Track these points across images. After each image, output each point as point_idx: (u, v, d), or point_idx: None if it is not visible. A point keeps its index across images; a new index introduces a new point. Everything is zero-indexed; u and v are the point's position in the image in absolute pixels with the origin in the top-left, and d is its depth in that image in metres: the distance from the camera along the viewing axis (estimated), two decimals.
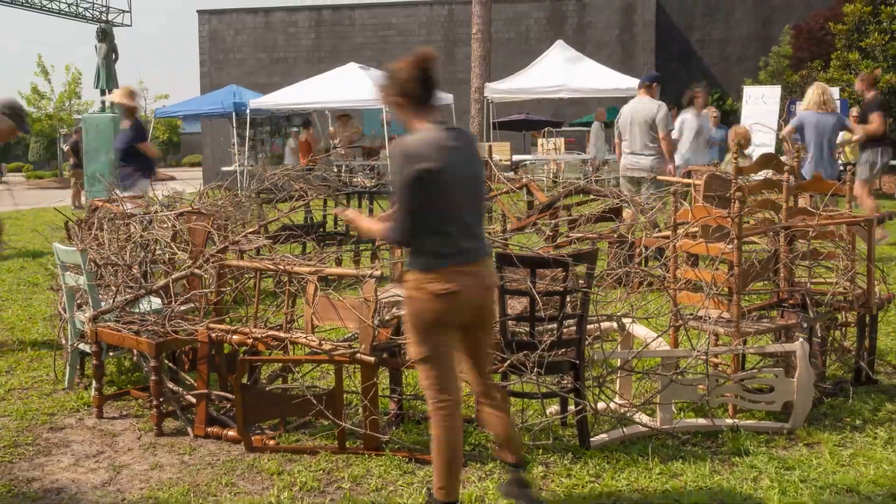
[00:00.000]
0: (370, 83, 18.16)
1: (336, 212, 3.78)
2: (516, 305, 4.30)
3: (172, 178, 25.24)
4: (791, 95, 19.49)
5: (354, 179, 9.76)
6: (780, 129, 17.86)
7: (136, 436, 4.39)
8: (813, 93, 8.61)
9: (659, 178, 8.15)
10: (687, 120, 10.38)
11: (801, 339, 4.37)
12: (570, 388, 4.07)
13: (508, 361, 3.86)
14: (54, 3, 14.80)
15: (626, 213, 7.05)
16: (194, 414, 4.44)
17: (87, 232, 5.62)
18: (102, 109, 15.78)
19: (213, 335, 4.40)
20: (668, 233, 5.15)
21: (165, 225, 5.59)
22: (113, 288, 5.10)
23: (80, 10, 15.34)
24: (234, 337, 4.35)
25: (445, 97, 20.17)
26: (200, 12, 33.96)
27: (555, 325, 3.93)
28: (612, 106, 26.04)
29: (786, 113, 18.59)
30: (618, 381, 4.62)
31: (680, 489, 3.63)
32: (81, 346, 4.99)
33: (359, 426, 4.09)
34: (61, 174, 20.77)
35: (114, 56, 15.85)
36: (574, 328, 4.02)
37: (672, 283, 4.72)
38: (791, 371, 4.32)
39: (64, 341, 5.32)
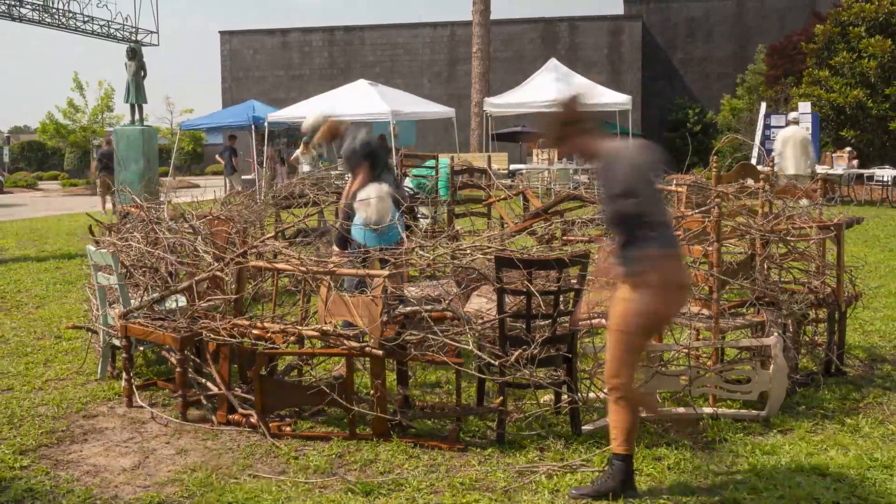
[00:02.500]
0: (379, 97, 18.20)
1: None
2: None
3: (196, 186, 25.24)
4: (767, 109, 19.48)
5: None
6: (762, 140, 17.86)
7: (163, 423, 4.39)
8: None
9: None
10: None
11: (776, 334, 4.36)
12: (562, 380, 4.07)
13: (509, 358, 3.86)
14: (88, 24, 14.78)
15: None
16: (217, 402, 4.44)
17: (118, 235, 5.62)
18: (132, 122, 15.78)
19: (234, 330, 4.40)
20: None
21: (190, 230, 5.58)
22: (141, 287, 5.10)
23: (112, 30, 15.32)
24: (254, 331, 4.35)
25: (447, 111, 20.19)
26: (222, 33, 34.07)
27: (549, 322, 3.93)
28: (601, 120, 26.04)
29: (762, 125, 18.59)
30: None
31: (663, 472, 3.63)
32: (113, 340, 5.00)
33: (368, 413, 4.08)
34: (93, 182, 20.80)
35: (142, 73, 15.85)
36: (567, 325, 4.02)
37: None
38: (767, 363, 4.32)
39: (96, 336, 5.32)
